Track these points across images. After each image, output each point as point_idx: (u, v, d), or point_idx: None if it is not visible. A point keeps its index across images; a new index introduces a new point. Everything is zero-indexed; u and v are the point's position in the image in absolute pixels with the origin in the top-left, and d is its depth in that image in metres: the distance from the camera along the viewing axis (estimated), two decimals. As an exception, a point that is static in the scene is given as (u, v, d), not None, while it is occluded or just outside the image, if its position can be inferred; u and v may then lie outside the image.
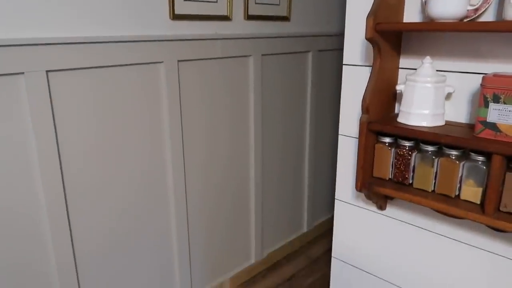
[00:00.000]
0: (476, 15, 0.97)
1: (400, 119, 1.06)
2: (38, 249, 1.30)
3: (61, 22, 1.24)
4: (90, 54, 1.29)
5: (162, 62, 1.50)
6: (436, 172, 1.03)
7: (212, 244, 1.87)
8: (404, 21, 1.10)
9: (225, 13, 1.68)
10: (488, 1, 0.95)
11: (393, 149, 1.09)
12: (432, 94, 1.01)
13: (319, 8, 2.11)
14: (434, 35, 1.06)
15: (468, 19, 0.97)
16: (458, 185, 1.01)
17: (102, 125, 1.39)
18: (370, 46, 1.07)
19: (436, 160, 1.02)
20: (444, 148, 1.02)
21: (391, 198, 1.22)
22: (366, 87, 1.06)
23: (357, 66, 1.21)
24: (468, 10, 0.95)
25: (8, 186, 1.20)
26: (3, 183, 1.19)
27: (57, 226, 1.31)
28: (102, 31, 1.33)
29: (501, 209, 0.94)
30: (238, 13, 1.73)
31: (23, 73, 1.17)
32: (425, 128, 1.01)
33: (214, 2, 1.64)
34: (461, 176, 1.00)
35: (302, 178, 2.30)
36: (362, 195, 1.22)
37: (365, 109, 1.06)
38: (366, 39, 1.02)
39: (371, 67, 1.08)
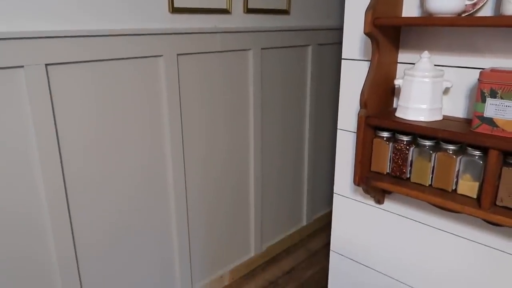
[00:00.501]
0: (474, 10, 0.96)
1: (398, 114, 1.07)
2: (39, 244, 1.31)
3: (60, 15, 1.24)
4: (89, 48, 1.30)
5: (161, 55, 1.50)
6: (434, 167, 1.04)
7: (212, 237, 1.89)
8: (403, 15, 1.09)
9: (224, 7, 1.68)
10: (487, -5, 0.94)
11: (391, 144, 1.09)
12: (430, 88, 1.01)
13: (319, 1, 2.10)
14: (432, 30, 1.06)
15: (466, 14, 0.97)
16: (455, 180, 1.02)
17: (101, 118, 1.39)
18: (369, 40, 1.07)
19: (433, 154, 1.03)
20: (441, 142, 1.02)
21: (389, 192, 1.23)
22: (365, 82, 1.06)
23: (356, 61, 1.21)
24: (466, 5, 0.94)
25: (8, 180, 1.21)
26: (2, 178, 1.20)
27: (57, 221, 1.32)
28: (101, 24, 1.33)
29: (497, 203, 0.95)
30: (238, 6, 1.73)
31: (22, 66, 1.18)
32: (423, 123, 1.01)
33: (214, -5, 1.63)
34: (458, 170, 1.01)
35: (301, 172, 2.31)
36: (360, 189, 1.23)
37: (363, 103, 1.07)
38: (364, 33, 1.02)
39: (369, 62, 1.08)
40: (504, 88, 0.90)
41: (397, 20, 1.05)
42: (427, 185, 1.05)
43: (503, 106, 0.91)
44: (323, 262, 2.18)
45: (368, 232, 1.32)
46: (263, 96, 1.93)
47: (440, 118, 1.04)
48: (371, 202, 1.27)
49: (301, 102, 2.17)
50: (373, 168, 1.14)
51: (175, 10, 1.52)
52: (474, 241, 1.09)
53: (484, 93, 0.92)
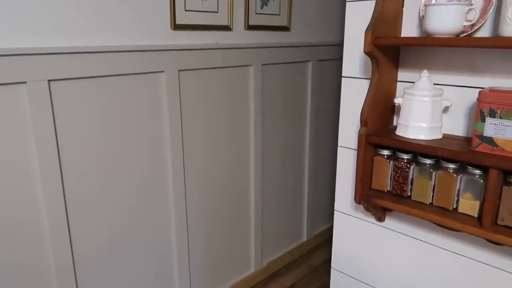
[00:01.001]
0: (472, 31, 0.98)
1: (398, 132, 1.07)
2: (37, 254, 1.30)
3: (63, 32, 1.25)
4: (92, 63, 1.31)
5: (163, 71, 1.51)
6: (434, 185, 1.04)
7: (211, 252, 1.87)
8: (402, 35, 1.11)
9: (225, 23, 1.70)
10: (484, 17, 0.96)
11: (391, 162, 1.10)
12: (429, 107, 1.02)
13: (319, 18, 2.13)
14: (431, 49, 1.08)
15: (465, 34, 0.99)
16: (456, 198, 1.02)
17: (103, 133, 1.40)
18: (369, 59, 1.09)
19: (434, 173, 1.03)
20: (441, 161, 1.03)
21: (390, 210, 1.22)
22: (365, 100, 1.07)
23: (356, 79, 1.22)
24: (464, 26, 0.96)
25: (9, 193, 1.21)
26: (3, 190, 1.20)
27: (56, 231, 1.32)
28: (104, 40, 1.35)
29: (498, 222, 0.95)
30: (239, 23, 1.75)
31: (25, 82, 1.19)
32: (423, 141, 1.02)
33: (215, 12, 1.66)
34: (459, 189, 1.01)
35: (302, 187, 2.30)
36: (361, 206, 1.22)
37: (364, 121, 1.07)
38: (364, 53, 1.03)
39: (369, 80, 1.09)
40: (503, 108, 0.90)
41: (397, 40, 1.06)
42: (428, 203, 1.05)
43: (503, 126, 0.91)
44: (323, 278, 2.16)
45: (368, 250, 1.31)
46: (263, 111, 1.94)
47: (440, 136, 1.05)
48: (372, 219, 1.27)
49: (302, 117, 2.18)
50: (373, 186, 1.14)
51: (177, 26, 1.54)
52: (475, 260, 1.09)
53: (483, 112, 0.93)
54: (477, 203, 0.98)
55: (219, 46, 1.67)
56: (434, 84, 1.06)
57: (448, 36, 0.96)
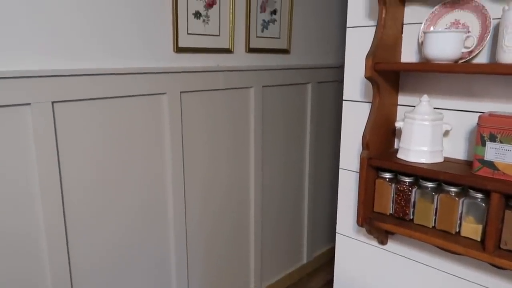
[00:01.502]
0: (471, 57, 1.00)
1: (400, 155, 1.08)
2: (35, 272, 1.28)
3: (67, 54, 1.27)
4: (95, 85, 1.32)
5: (165, 93, 1.53)
6: (436, 208, 1.04)
7: (210, 274, 1.84)
8: (402, 60, 1.13)
9: (227, 46, 1.73)
10: (482, 44, 0.98)
11: (393, 185, 1.10)
12: (430, 131, 1.03)
13: (318, 41, 2.17)
14: (430, 75, 1.10)
15: (463, 60, 1.01)
16: (458, 222, 1.02)
17: (104, 153, 1.40)
18: (369, 82, 1.11)
19: (435, 196, 1.03)
20: (443, 184, 1.03)
21: (392, 233, 1.22)
22: (366, 124, 1.09)
23: (357, 102, 1.24)
24: (462, 52, 0.98)
25: (8, 212, 1.21)
26: (3, 209, 1.20)
27: (55, 249, 1.31)
28: (107, 63, 1.36)
29: (501, 246, 0.95)
30: (240, 46, 1.78)
31: (29, 104, 1.20)
32: (424, 165, 1.02)
33: (217, 35, 1.69)
34: (461, 212, 1.01)
35: (301, 207, 2.30)
36: (363, 229, 1.22)
37: (365, 145, 1.08)
38: (365, 78, 1.05)
39: (370, 103, 1.11)
40: (503, 133, 0.92)
41: (397, 66, 1.09)
42: (431, 226, 1.05)
43: (503, 150, 0.92)
44: (323, 301, 2.12)
45: (371, 273, 1.30)
46: (264, 132, 1.95)
47: (441, 160, 1.05)
48: (374, 242, 1.26)
49: (301, 138, 2.19)
50: (376, 209, 1.14)
51: (179, 49, 1.56)
52: (478, 284, 1.08)
53: (483, 137, 0.94)
54: (479, 227, 0.99)
55: (220, 69, 1.70)
56: (434, 108, 1.07)
57: (447, 62, 0.98)
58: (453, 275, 1.12)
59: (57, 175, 1.28)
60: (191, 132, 1.65)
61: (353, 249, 1.32)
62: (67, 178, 1.31)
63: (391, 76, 1.12)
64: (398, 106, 1.17)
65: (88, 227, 1.40)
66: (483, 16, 0.98)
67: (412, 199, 1.08)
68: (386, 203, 1.11)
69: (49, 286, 1.31)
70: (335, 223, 1.37)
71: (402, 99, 1.16)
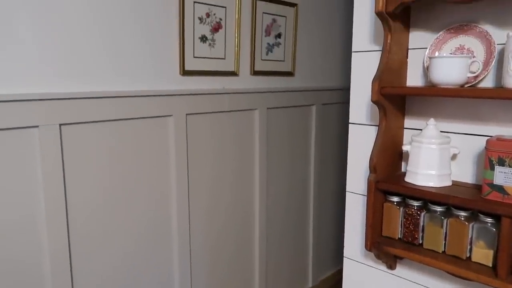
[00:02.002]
0: (476, 81, 1.01)
1: (408, 179, 1.08)
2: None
3: (75, 78, 1.29)
4: (102, 108, 1.34)
5: (171, 115, 1.54)
6: (446, 233, 1.02)
7: (214, 299, 1.81)
8: (408, 84, 1.14)
9: (232, 69, 1.75)
10: (487, 68, 0.99)
11: (401, 208, 1.09)
12: (437, 155, 1.03)
13: (322, 64, 2.20)
14: (436, 98, 1.11)
15: (469, 85, 1.02)
16: (469, 247, 1.00)
17: (110, 175, 1.40)
18: (375, 106, 1.11)
19: (445, 220, 1.02)
20: (452, 208, 1.02)
21: (401, 258, 1.20)
22: (373, 147, 1.09)
23: (363, 125, 1.24)
24: (468, 77, 0.99)
25: (12, 235, 1.20)
26: (7, 232, 1.19)
27: (59, 275, 1.30)
28: (115, 85, 1.38)
29: (514, 272, 0.93)
30: (245, 68, 1.80)
31: (37, 126, 1.21)
32: (433, 189, 1.02)
33: (222, 58, 1.71)
34: (471, 237, 1.00)
35: (306, 230, 2.27)
36: (372, 253, 1.20)
37: (373, 168, 1.08)
38: (372, 101, 1.05)
39: (377, 126, 1.11)
40: (511, 157, 0.91)
41: (403, 90, 1.10)
42: (440, 251, 1.04)
43: (512, 174, 0.92)
44: (330, 327, 2.07)
45: (379, 299, 1.27)
46: (268, 153, 1.95)
47: (449, 183, 1.05)
48: (383, 267, 1.24)
49: (306, 160, 2.19)
50: (384, 233, 1.12)
51: (185, 72, 1.58)
52: (491, 311, 1.05)
53: (492, 161, 0.94)
54: (491, 252, 0.97)
55: (226, 91, 1.71)
56: (441, 131, 1.07)
57: (452, 86, 0.99)
58: (465, 301, 1.10)
59: (62, 198, 1.28)
60: (197, 153, 1.65)
61: (361, 273, 1.30)
62: (72, 201, 1.31)
63: (397, 100, 1.13)
64: (405, 129, 1.17)
65: (92, 250, 1.38)
66: (488, 41, 0.99)
67: (421, 223, 1.06)
68: (395, 227, 1.10)
69: (52, 311, 1.29)
70: (341, 246, 1.35)
71: (408, 122, 1.17)
